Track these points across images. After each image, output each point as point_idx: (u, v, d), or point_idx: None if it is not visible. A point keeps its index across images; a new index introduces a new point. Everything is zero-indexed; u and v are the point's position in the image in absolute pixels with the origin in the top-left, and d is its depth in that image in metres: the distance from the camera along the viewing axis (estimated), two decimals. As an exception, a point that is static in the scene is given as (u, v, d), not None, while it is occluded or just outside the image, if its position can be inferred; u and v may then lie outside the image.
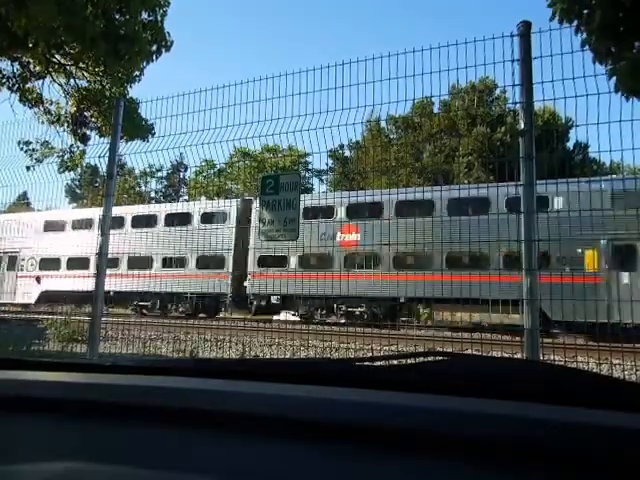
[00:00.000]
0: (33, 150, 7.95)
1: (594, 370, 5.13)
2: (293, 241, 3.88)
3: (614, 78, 3.70)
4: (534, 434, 0.63)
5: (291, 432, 0.70)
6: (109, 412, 0.80)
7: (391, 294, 12.49)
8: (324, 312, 14.71)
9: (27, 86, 8.41)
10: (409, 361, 0.99)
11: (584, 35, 3.80)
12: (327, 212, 14.33)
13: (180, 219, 16.79)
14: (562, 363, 5.54)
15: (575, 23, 3.78)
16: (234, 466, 0.66)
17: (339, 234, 13.90)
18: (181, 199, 33.69)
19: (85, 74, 8.11)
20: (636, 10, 3.59)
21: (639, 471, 0.58)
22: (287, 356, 7.86)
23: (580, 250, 11.20)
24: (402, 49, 3.47)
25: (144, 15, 7.20)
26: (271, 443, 0.69)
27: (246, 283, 15.31)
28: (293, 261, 14.39)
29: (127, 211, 17.41)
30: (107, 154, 4.75)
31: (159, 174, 30.32)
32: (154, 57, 7.29)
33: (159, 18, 7.32)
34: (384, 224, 11.26)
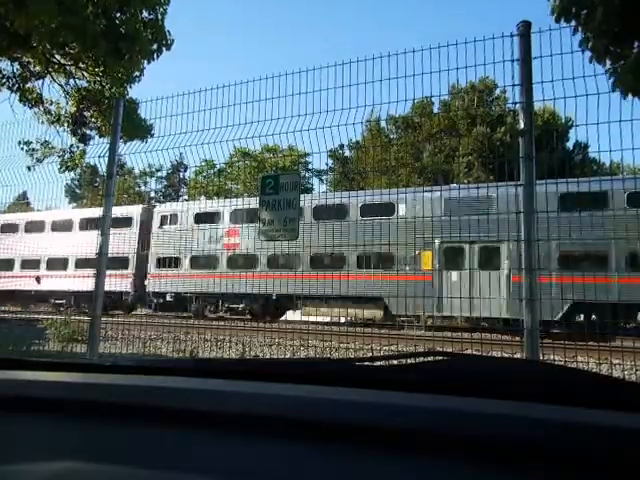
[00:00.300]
0: (33, 150, 7.95)
1: (594, 370, 5.13)
2: (292, 240, 3.88)
3: (614, 77, 3.70)
4: (534, 434, 0.63)
5: (291, 432, 0.70)
6: (109, 412, 0.80)
7: (265, 291, 13.73)
8: (212, 309, 16.03)
9: (27, 86, 8.40)
10: (409, 361, 0.99)
11: (583, 35, 3.80)
12: (215, 217, 16.17)
13: (92, 224, 17.95)
14: (562, 363, 5.54)
15: (573, 23, 3.78)
16: (234, 466, 0.66)
17: (224, 238, 15.37)
18: (181, 199, 33.71)
19: (85, 74, 8.11)
20: (636, 10, 3.59)
21: (639, 471, 0.58)
22: (287, 356, 7.86)
23: (418, 252, 12.82)
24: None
25: (144, 14, 7.20)
26: (271, 443, 0.69)
27: (146, 282, 16.82)
28: (186, 263, 15.78)
29: (47, 216, 18.96)
30: (107, 154, 4.75)
31: (158, 174, 30.36)
32: (155, 56, 7.28)
33: (159, 17, 7.32)
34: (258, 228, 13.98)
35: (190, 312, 15.78)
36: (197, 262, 15.72)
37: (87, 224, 17.72)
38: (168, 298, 16.48)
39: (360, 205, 13.30)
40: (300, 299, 13.53)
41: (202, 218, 15.97)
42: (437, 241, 12.68)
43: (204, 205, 16.42)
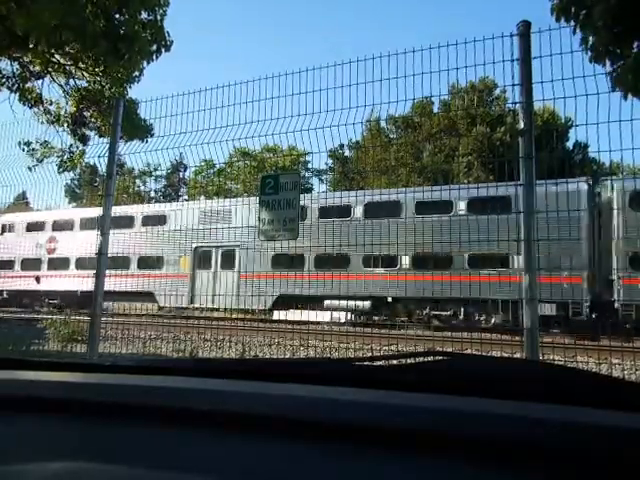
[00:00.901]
0: (33, 150, 7.94)
1: (594, 370, 5.13)
2: (292, 240, 3.88)
3: (614, 78, 3.70)
4: (534, 434, 0.63)
5: (291, 432, 0.70)
6: (109, 412, 0.80)
7: (75, 289, 16.64)
8: (39, 304, 18.65)
9: (27, 86, 8.39)
10: (409, 361, 0.99)
11: (582, 34, 3.81)
12: (41, 227, 19.72)
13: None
14: (562, 363, 5.54)
15: (572, 23, 3.78)
16: (234, 466, 0.66)
17: (47, 244, 19.18)
18: (181, 199, 33.71)
19: (85, 74, 8.09)
20: (635, 10, 3.59)
21: (639, 471, 0.58)
22: (287, 356, 7.86)
23: (180, 255, 16.15)
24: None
25: (144, 15, 7.19)
26: (271, 443, 0.69)
27: (-11, 282, 20.60)
28: (17, 265, 19.31)
29: None
30: (106, 154, 4.75)
31: (156, 173, 30.33)
32: (154, 57, 7.27)
33: (159, 18, 7.31)
34: (74, 235, 17.37)
35: (23, 307, 18.39)
36: (26, 264, 18.93)
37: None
38: (5, 295, 19.41)
39: (142, 217, 17.03)
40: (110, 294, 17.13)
41: (32, 227, 19.50)
42: (194, 246, 15.66)
43: (34, 216, 19.70)
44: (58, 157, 8.06)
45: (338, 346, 6.98)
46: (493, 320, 12.75)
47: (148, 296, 15.23)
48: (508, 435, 0.63)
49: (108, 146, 4.80)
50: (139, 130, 7.27)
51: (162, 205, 17.92)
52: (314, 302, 13.33)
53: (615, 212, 11.67)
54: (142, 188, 33.76)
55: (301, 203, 12.55)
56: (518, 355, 6.25)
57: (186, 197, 33.70)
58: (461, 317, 13.30)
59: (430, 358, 0.98)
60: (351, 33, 59.18)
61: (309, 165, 32.13)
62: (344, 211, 13.39)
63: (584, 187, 11.98)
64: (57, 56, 7.69)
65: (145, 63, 7.38)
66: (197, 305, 14.25)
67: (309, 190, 32.02)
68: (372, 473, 0.62)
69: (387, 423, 0.68)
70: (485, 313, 13.02)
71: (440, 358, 0.98)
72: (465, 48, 3.28)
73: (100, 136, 8.41)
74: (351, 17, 60.75)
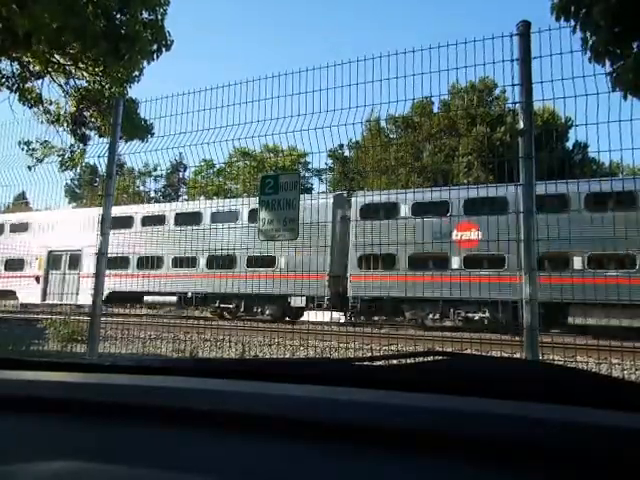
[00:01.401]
0: (33, 150, 7.94)
1: (594, 370, 5.13)
2: (293, 240, 3.88)
3: (614, 77, 3.70)
4: (534, 434, 0.63)
5: (291, 432, 0.70)
6: (109, 412, 0.80)
7: None
8: None
9: (26, 86, 8.38)
10: (409, 361, 0.99)
11: (583, 34, 3.81)
12: None
13: None
14: (562, 363, 5.54)
15: (572, 23, 3.79)
16: (234, 466, 0.66)
17: None
18: (180, 199, 33.72)
19: (85, 74, 8.09)
20: (635, 9, 3.59)
21: (639, 471, 0.58)
22: (287, 356, 7.86)
23: (36, 258, 18.80)
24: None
25: (144, 14, 7.18)
26: (271, 443, 0.69)
27: None
28: None
29: None
30: (106, 154, 4.74)
31: (155, 173, 30.31)
32: (154, 56, 7.27)
33: (159, 17, 7.30)
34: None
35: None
36: None
37: None
38: None
39: (9, 225, 19.34)
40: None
41: None
42: (48, 250, 18.30)
43: None
44: (59, 156, 8.06)
45: (338, 346, 6.98)
46: (268, 311, 15.42)
47: (12, 294, 18.23)
48: (508, 435, 0.63)
49: (108, 146, 4.80)
50: (139, 130, 7.26)
51: (26, 214, 19.86)
52: (137, 298, 15.84)
53: (351, 222, 14.38)
54: (142, 188, 33.75)
55: (128, 214, 15.59)
56: (518, 355, 6.25)
57: (186, 197, 33.69)
58: (242, 309, 15.71)
59: (430, 358, 0.97)
60: (351, 33, 59.38)
61: (309, 165, 32.18)
62: (161, 219, 16.68)
63: (330, 201, 14.71)
64: (57, 56, 7.69)
65: (145, 63, 7.37)
66: (49, 302, 16.58)
67: (309, 190, 32.06)
68: (372, 473, 0.62)
69: (387, 423, 0.68)
70: (260, 306, 15.61)
71: (440, 358, 0.97)
72: (465, 48, 3.29)
73: (100, 136, 8.41)
74: (351, 17, 60.87)
